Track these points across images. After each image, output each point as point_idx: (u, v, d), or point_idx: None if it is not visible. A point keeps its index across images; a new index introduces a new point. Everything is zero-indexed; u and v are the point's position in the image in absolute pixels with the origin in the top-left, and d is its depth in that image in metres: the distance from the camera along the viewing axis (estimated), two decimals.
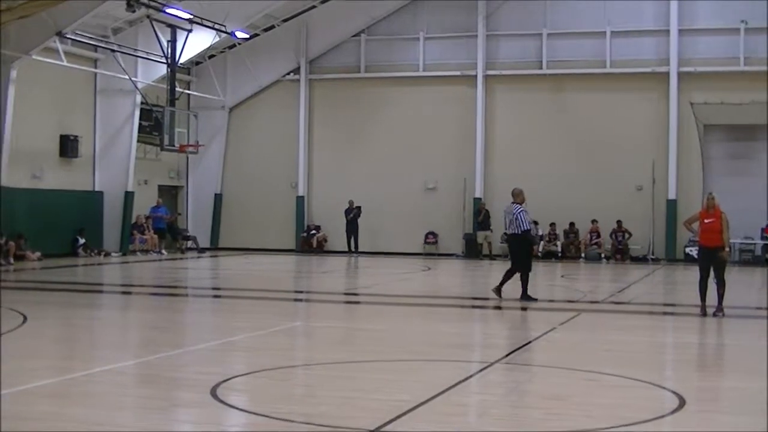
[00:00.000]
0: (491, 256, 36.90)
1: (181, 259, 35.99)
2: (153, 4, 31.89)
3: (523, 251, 20.77)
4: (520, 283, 20.41)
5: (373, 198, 39.06)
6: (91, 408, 9.40)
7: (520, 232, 20.57)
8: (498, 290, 20.59)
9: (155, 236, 37.50)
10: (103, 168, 36.02)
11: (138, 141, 36.36)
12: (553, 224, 37.44)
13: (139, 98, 35.69)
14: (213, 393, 9.86)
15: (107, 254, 34.73)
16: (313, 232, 40.31)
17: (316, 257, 37.43)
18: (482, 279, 25.20)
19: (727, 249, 18.14)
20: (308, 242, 40.11)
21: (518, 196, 21.03)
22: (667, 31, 36.75)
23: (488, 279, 26.20)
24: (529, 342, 14.18)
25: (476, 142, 38.55)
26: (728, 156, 36.51)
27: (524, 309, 19.34)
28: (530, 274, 20.66)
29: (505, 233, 21.45)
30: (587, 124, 37.57)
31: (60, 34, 30.84)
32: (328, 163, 40.65)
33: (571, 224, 37.22)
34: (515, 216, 20.66)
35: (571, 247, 37.28)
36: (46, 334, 15.17)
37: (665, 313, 19.97)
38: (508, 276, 20.65)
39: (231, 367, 12.07)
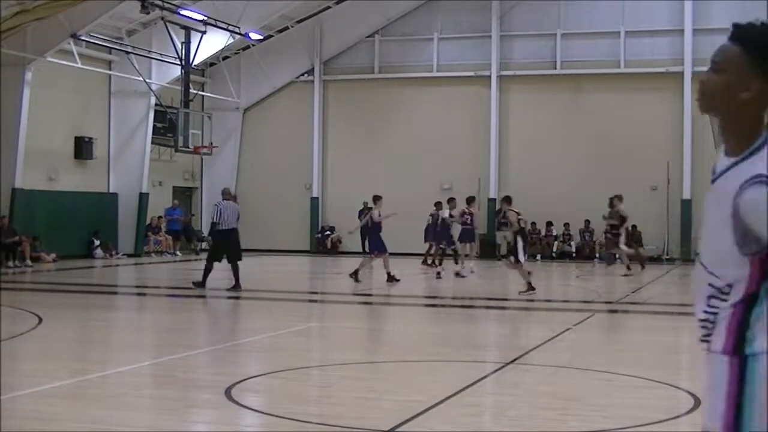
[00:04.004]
0: (508, 257, 36.86)
1: (195, 260, 36.04)
2: (167, 5, 31.96)
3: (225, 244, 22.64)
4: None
5: (388, 199, 38.92)
6: (107, 409, 9.42)
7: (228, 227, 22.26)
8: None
9: (169, 238, 37.56)
10: (117, 170, 36.12)
11: (152, 142, 36.45)
12: (567, 224, 37.40)
13: (153, 100, 35.77)
14: (228, 394, 9.87)
15: (120, 256, 34.83)
16: (328, 233, 40.32)
17: (330, 258, 37.44)
18: (498, 279, 25.19)
19: None
20: (323, 243, 40.13)
21: (227, 194, 23.23)
22: (682, 31, 36.67)
23: (504, 279, 26.19)
24: (544, 342, 14.17)
25: (490, 143, 38.54)
26: None
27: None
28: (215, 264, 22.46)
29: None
30: (601, 124, 37.51)
31: (74, 36, 30.95)
32: (342, 164, 40.68)
33: (587, 222, 37.12)
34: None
35: (586, 248, 37.22)
36: (61, 336, 15.21)
37: (680, 314, 19.93)
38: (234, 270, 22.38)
39: (246, 368, 12.09)
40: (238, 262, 22.44)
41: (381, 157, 39.86)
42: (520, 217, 23.36)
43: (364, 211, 38.49)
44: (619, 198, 29.11)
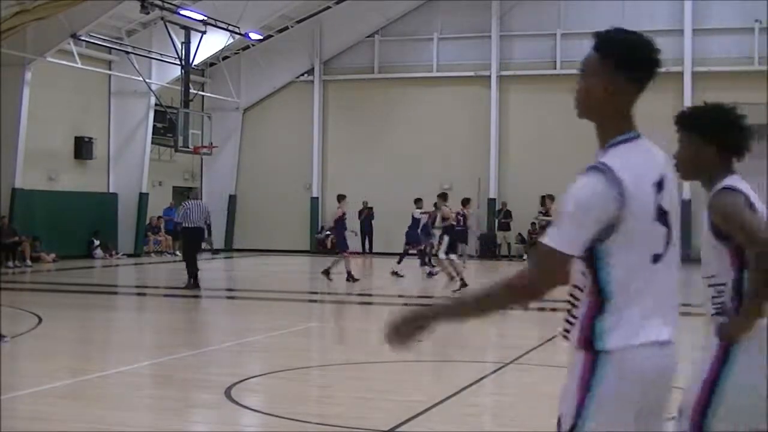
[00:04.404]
0: (509, 257, 36.90)
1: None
2: (167, 5, 31.96)
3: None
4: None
5: (388, 199, 39.02)
6: (107, 409, 9.43)
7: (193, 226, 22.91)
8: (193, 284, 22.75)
9: (169, 238, 37.55)
10: (117, 170, 36.11)
11: (152, 143, 36.43)
12: None
13: (153, 100, 35.76)
14: (228, 394, 9.87)
15: (120, 256, 34.83)
16: (327, 233, 40.30)
17: (330, 258, 37.36)
18: (498, 279, 25.19)
19: None
20: (322, 243, 40.11)
21: (194, 193, 24.38)
22: (681, 31, 36.68)
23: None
24: (544, 342, 14.17)
25: (490, 143, 38.53)
26: None
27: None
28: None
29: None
30: None
31: (74, 36, 30.94)
32: (342, 164, 40.66)
33: None
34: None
35: None
36: (61, 336, 15.21)
37: (679, 313, 19.91)
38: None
39: (246, 368, 12.09)
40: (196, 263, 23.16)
41: (381, 157, 39.83)
42: (452, 214, 24.16)
43: (364, 210, 38.55)
44: (551, 198, 29.46)
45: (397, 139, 39.77)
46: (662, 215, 3.77)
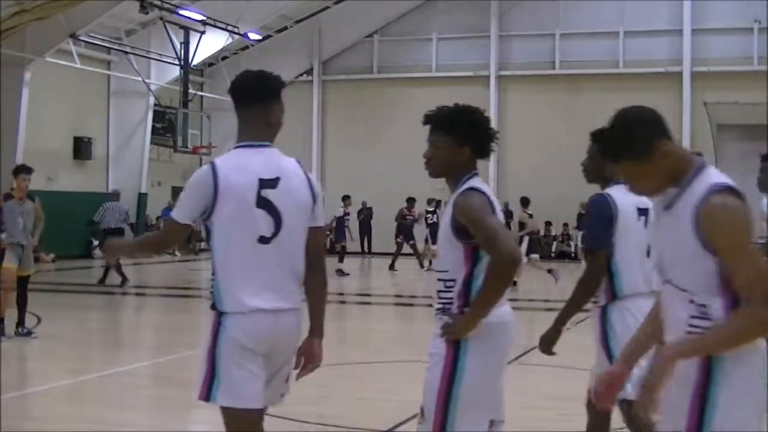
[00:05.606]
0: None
1: (194, 260, 36.04)
2: (166, 5, 31.97)
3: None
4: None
5: (387, 199, 39.00)
6: (107, 409, 9.44)
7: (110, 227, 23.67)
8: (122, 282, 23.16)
9: None
10: (116, 170, 36.13)
11: (151, 143, 36.46)
12: (566, 224, 37.40)
13: (152, 100, 35.77)
14: None
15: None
16: (327, 233, 40.29)
17: (329, 258, 37.35)
18: None
19: None
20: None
21: (114, 195, 25.55)
22: (681, 31, 36.68)
23: None
24: None
25: None
26: (742, 156, 36.25)
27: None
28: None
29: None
30: (600, 125, 37.01)
31: (73, 36, 30.94)
32: (341, 164, 40.67)
33: None
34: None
35: None
36: (61, 336, 15.21)
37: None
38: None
39: None
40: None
41: (380, 157, 39.83)
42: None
43: (363, 210, 38.57)
44: (523, 202, 29.32)
45: (395, 139, 39.76)
46: (267, 205, 4.72)
